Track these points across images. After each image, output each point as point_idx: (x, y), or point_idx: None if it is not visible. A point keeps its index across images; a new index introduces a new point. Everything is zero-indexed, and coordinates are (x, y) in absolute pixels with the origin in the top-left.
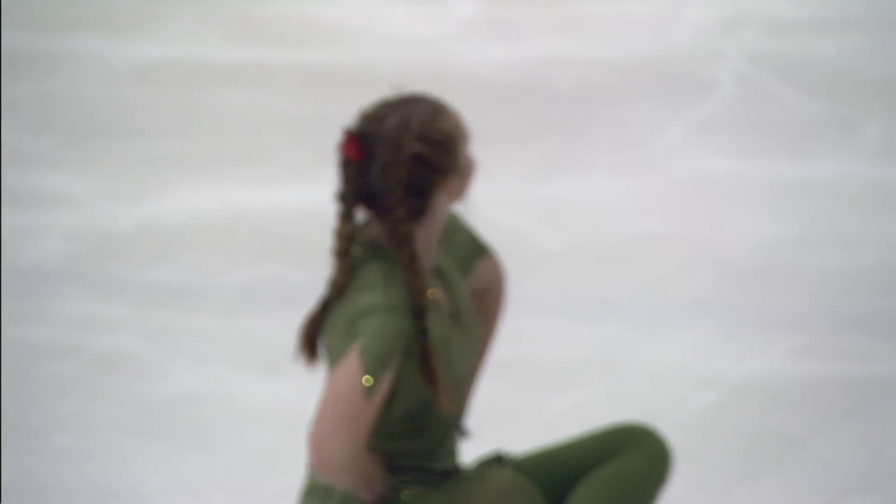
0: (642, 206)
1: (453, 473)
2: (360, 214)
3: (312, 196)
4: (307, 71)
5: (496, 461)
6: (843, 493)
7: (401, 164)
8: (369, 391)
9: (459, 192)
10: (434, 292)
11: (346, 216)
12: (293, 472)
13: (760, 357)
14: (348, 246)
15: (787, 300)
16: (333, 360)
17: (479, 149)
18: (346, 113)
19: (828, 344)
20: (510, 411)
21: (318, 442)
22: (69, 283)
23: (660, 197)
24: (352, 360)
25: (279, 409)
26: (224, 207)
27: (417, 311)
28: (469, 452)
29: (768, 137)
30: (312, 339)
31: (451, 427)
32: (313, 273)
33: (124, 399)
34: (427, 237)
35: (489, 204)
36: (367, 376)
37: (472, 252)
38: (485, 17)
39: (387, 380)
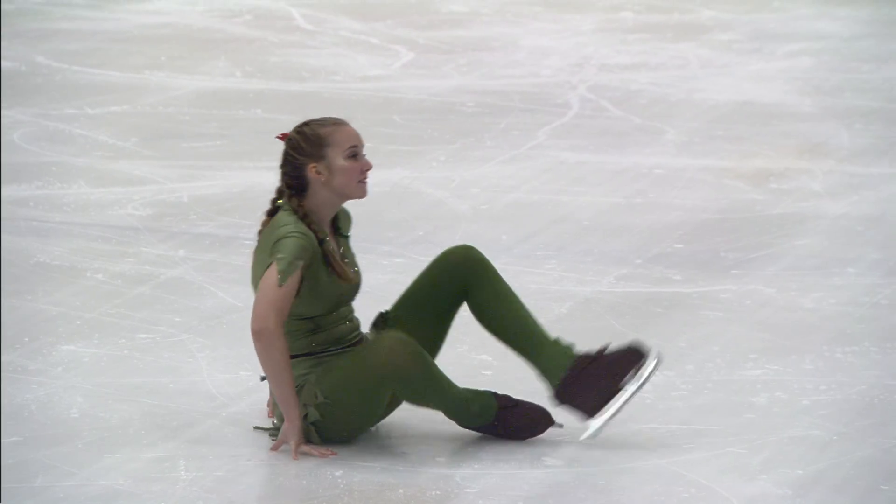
0: (521, 184)
1: (357, 343)
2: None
3: None
4: (302, 97)
5: (382, 321)
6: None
7: (287, 147)
8: (281, 283)
9: (329, 181)
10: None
11: (280, 188)
12: None
13: (598, 282)
14: (273, 207)
15: (616, 245)
16: (260, 273)
17: (415, 147)
18: None
19: (642, 273)
20: None
21: (257, 317)
22: (147, 235)
23: (532, 178)
24: (272, 268)
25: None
26: (248, 185)
27: (317, 237)
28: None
29: (602, 139)
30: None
31: (345, 320)
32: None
33: (184, 310)
34: (313, 205)
35: (421, 183)
36: (280, 275)
37: None
38: (418, 63)
39: (294, 277)
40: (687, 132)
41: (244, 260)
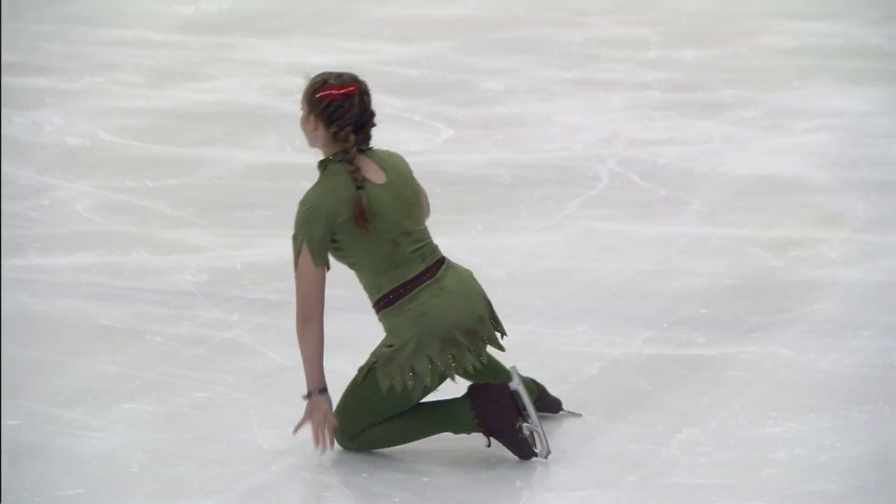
0: (554, 252)
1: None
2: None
3: None
4: None
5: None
6: (675, 427)
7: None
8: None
9: None
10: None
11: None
12: None
13: (626, 344)
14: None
15: (643, 309)
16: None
17: (455, 217)
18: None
19: (668, 336)
20: None
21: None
22: (203, 299)
23: (564, 246)
24: None
25: (332, 375)
26: None
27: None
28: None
29: (630, 210)
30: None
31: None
32: (349, 292)
33: (237, 370)
34: None
35: (460, 250)
36: None
37: None
38: (458, 138)
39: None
40: (710, 203)
41: (294, 323)
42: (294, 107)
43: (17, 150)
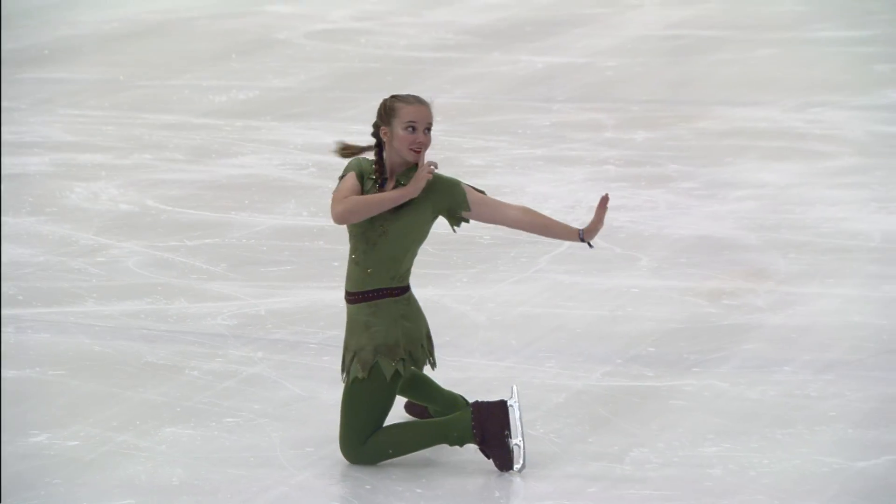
0: (527, 300)
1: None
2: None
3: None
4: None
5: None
6: (628, 447)
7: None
8: (339, 178)
9: (391, 143)
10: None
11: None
12: None
13: (588, 377)
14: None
15: (601, 348)
16: None
17: (444, 271)
18: None
19: (622, 371)
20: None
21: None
22: (233, 340)
23: (536, 295)
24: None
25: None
26: (312, 301)
27: (377, 175)
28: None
29: (591, 265)
30: None
31: (356, 262)
32: None
33: (262, 400)
34: (388, 157)
35: (448, 299)
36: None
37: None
38: None
39: (349, 177)
40: (657, 260)
41: (310, 359)
42: (310, 178)
43: (79, 215)
